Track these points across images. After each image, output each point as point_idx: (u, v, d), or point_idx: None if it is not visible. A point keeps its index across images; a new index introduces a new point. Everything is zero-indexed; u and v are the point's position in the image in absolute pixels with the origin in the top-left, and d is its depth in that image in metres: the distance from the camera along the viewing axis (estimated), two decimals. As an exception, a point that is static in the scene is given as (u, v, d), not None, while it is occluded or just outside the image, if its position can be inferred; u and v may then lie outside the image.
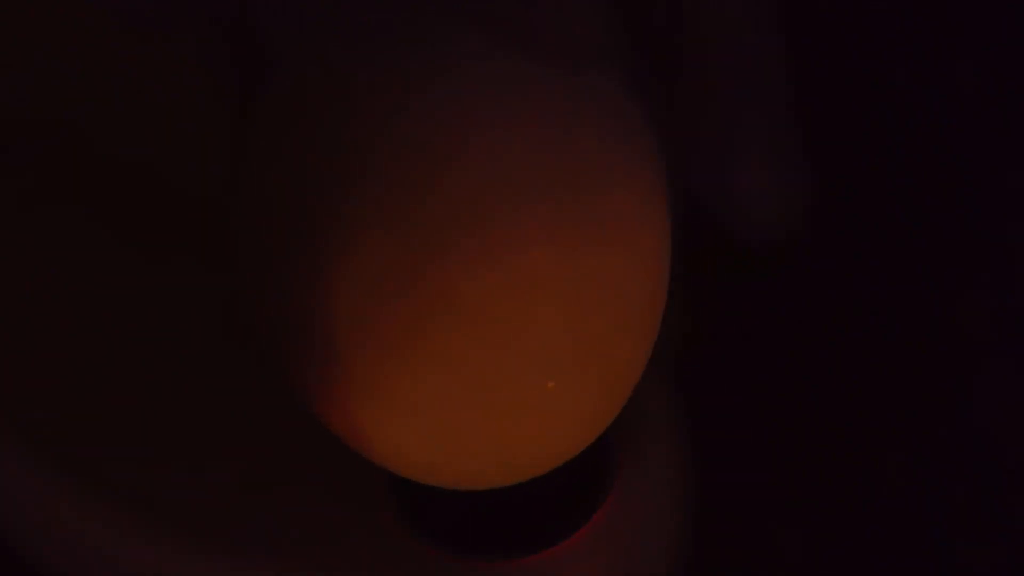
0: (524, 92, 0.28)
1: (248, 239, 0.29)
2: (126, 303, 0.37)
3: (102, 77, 0.35)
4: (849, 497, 0.36)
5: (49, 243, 0.37)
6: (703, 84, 0.29)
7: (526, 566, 0.33)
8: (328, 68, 0.28)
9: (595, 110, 0.28)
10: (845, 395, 0.37)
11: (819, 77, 0.39)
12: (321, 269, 0.27)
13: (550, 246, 0.27)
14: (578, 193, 0.27)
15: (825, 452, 0.36)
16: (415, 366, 0.27)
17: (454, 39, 0.28)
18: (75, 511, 0.34)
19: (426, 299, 0.26)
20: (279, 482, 0.35)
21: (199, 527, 0.34)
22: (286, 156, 0.28)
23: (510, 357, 0.27)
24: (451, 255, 0.26)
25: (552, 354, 0.28)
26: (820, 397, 0.37)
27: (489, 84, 0.27)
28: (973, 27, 0.39)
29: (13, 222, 0.37)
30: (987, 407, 0.37)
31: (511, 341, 0.27)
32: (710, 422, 0.36)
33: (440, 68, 0.27)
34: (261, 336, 0.29)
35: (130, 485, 0.34)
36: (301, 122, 0.28)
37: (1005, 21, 0.39)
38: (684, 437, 0.36)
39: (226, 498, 0.34)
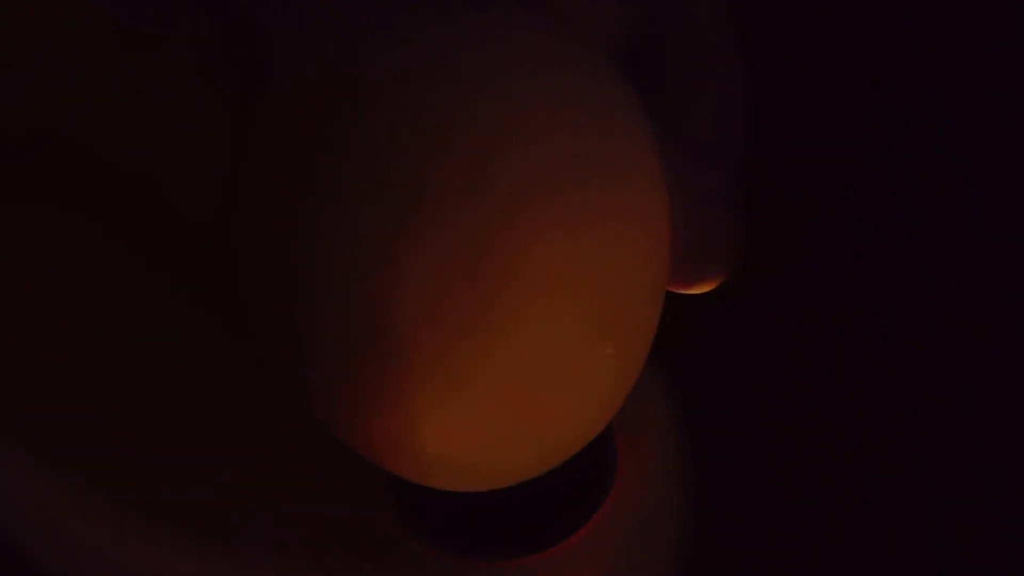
0: (562, 71, 0.28)
1: (265, 244, 0.28)
2: (126, 303, 0.37)
3: (101, 78, 0.35)
4: (849, 497, 0.36)
5: (49, 244, 0.37)
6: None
7: (526, 566, 0.33)
8: (366, 51, 0.28)
9: (612, 90, 0.29)
10: (845, 395, 0.37)
11: (819, 77, 0.39)
12: (387, 255, 0.26)
13: (613, 215, 0.27)
14: (619, 168, 0.28)
15: (825, 452, 0.36)
16: (484, 339, 0.27)
17: (489, 17, 0.28)
18: (75, 511, 0.34)
19: (497, 267, 0.26)
20: (279, 482, 0.35)
21: (199, 527, 0.34)
22: (327, 146, 0.27)
23: (575, 323, 0.27)
24: (521, 220, 0.26)
25: (610, 318, 0.28)
26: (820, 397, 0.37)
27: (532, 65, 0.28)
28: (973, 27, 0.39)
29: (13, 223, 0.37)
30: (987, 407, 0.37)
31: (577, 306, 0.27)
32: (710, 422, 0.36)
33: (483, 47, 0.28)
34: (277, 345, 0.29)
35: (129, 485, 0.34)
36: (342, 109, 0.27)
37: (1005, 21, 0.39)
38: (684, 437, 0.36)
39: (226, 498, 0.34)
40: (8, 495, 0.35)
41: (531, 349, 0.27)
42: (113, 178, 0.37)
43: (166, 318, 0.37)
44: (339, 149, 0.27)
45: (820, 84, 0.39)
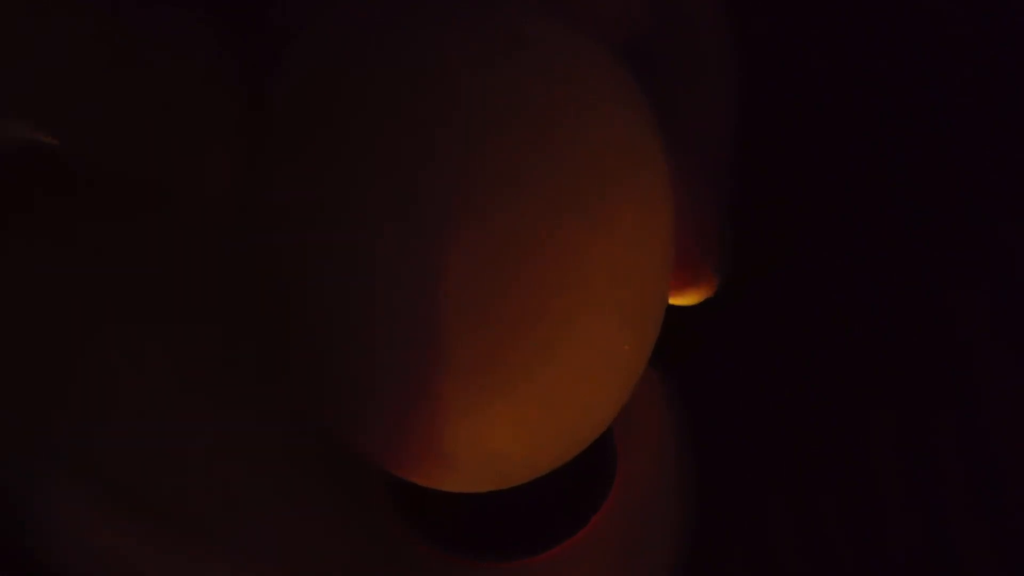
0: (588, 64, 0.28)
1: (298, 251, 0.28)
2: (128, 303, 0.37)
3: (105, 81, 0.35)
4: (848, 497, 0.36)
5: (55, 251, 0.37)
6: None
7: (526, 567, 0.33)
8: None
9: (629, 85, 0.29)
10: (845, 395, 0.37)
11: (819, 78, 0.39)
12: (432, 259, 0.26)
13: (645, 211, 0.27)
14: (646, 163, 0.28)
15: (824, 452, 0.37)
16: (537, 346, 0.26)
17: (514, 10, 0.28)
18: (80, 506, 0.34)
19: (549, 271, 0.26)
20: (279, 481, 0.35)
21: (198, 527, 0.34)
22: (361, 147, 0.27)
23: (614, 323, 0.27)
24: (570, 220, 0.26)
25: (634, 315, 0.28)
26: (820, 397, 0.37)
27: (561, 59, 0.28)
28: (973, 27, 0.39)
29: (14, 226, 0.37)
30: (987, 407, 0.37)
31: (616, 304, 0.27)
32: (710, 423, 0.36)
33: (514, 41, 0.27)
34: (303, 353, 0.28)
35: (128, 484, 0.34)
36: (373, 107, 0.27)
37: (1005, 21, 0.39)
38: (684, 438, 0.36)
39: (226, 498, 0.35)
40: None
41: (578, 352, 0.27)
42: (118, 182, 0.37)
43: (168, 322, 0.37)
44: (374, 149, 0.26)
45: (820, 84, 0.39)
